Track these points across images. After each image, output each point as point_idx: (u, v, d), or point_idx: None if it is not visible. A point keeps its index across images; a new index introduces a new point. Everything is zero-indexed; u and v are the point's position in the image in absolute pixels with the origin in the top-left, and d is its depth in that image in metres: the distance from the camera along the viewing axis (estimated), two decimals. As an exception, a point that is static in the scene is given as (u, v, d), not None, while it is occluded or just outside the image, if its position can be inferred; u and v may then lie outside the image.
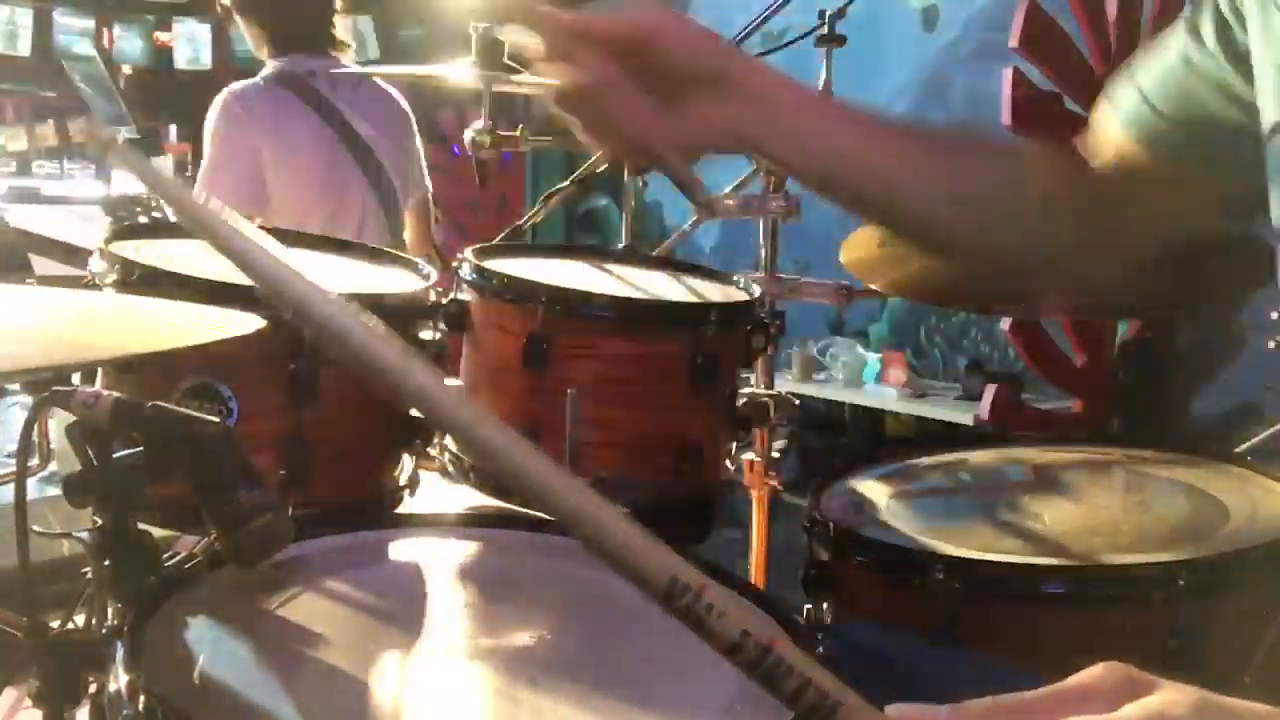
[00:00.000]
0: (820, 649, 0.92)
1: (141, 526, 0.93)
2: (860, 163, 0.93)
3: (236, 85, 2.81)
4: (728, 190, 2.06)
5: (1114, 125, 0.97)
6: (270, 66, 2.83)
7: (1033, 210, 0.98)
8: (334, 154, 2.78)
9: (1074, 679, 0.51)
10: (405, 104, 2.99)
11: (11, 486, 1.00)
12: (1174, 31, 0.94)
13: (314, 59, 2.82)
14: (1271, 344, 2.80)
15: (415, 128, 3.01)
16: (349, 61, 2.99)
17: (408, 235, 3.00)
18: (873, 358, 4.34)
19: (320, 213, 2.75)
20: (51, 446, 2.62)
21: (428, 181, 3.05)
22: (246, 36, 2.96)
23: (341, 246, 1.62)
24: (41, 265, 2.15)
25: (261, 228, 2.21)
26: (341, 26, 2.95)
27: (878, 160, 0.93)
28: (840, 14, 1.94)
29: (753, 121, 0.90)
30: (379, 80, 3.00)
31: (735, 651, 0.46)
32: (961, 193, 0.96)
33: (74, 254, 1.88)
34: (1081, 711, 0.49)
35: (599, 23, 0.87)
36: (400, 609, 0.96)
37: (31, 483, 2.46)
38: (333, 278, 1.45)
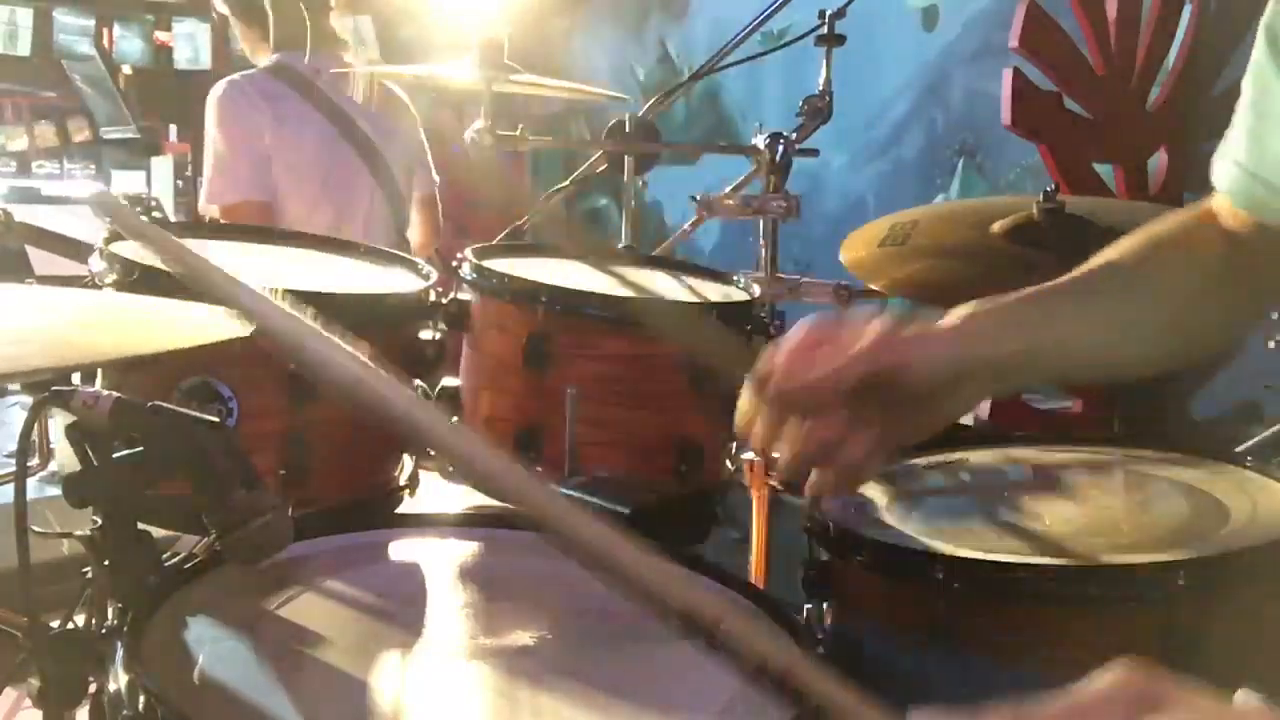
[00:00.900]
0: (820, 649, 0.92)
1: (141, 526, 0.93)
2: (1069, 347, 0.99)
3: (234, 75, 2.81)
4: (728, 190, 2.06)
5: (1226, 206, 1.04)
6: (268, 60, 2.83)
7: (1196, 312, 1.06)
8: (338, 151, 2.78)
9: (1093, 685, 0.50)
10: (409, 101, 2.99)
11: (11, 486, 1.00)
12: (1245, 85, 1.00)
13: (315, 57, 2.82)
14: (1271, 344, 2.80)
15: (419, 122, 3.01)
16: (349, 60, 2.99)
17: (414, 231, 2.99)
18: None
19: (326, 208, 2.75)
20: (51, 446, 2.61)
21: (435, 175, 3.05)
22: (242, 41, 2.96)
23: (342, 246, 1.62)
24: (41, 265, 2.15)
25: (263, 227, 2.22)
26: (341, 27, 2.95)
27: (1083, 335, 0.99)
28: (840, 14, 1.94)
29: (999, 384, 0.96)
30: (382, 78, 3.00)
31: (754, 674, 0.47)
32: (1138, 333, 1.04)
33: (79, 249, 1.88)
34: None
35: (832, 374, 0.86)
36: (400, 609, 0.96)
37: (31, 483, 2.46)
38: (334, 278, 1.45)
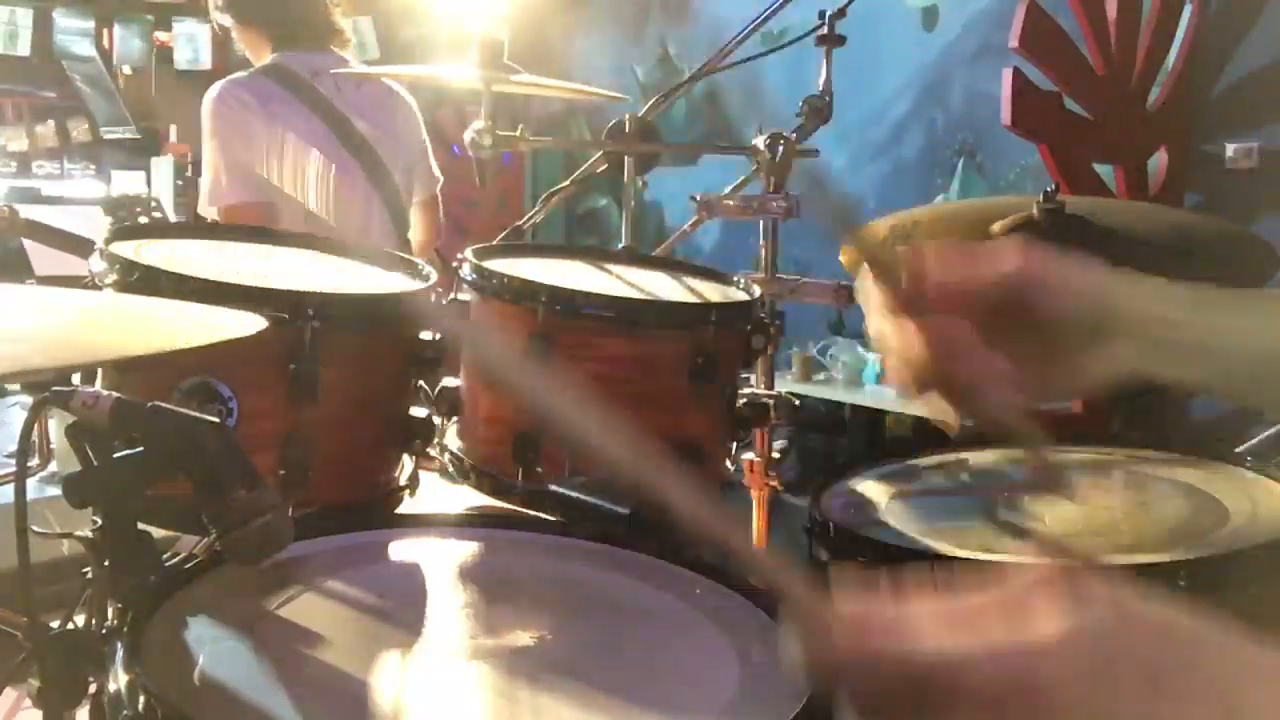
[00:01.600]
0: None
1: (141, 526, 0.93)
2: (1235, 342, 0.82)
3: (228, 77, 2.80)
4: (728, 190, 2.06)
5: None
6: (265, 61, 2.82)
7: None
8: (335, 152, 2.78)
9: (1017, 586, 0.51)
10: (411, 101, 2.98)
11: (11, 486, 1.00)
12: None
13: (316, 57, 2.81)
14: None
15: (421, 123, 3.01)
16: (350, 57, 2.98)
17: (414, 231, 2.99)
18: (873, 358, 4.33)
19: (324, 210, 2.75)
20: (51, 446, 2.62)
21: (437, 173, 3.04)
22: (243, 44, 2.94)
23: (342, 246, 1.61)
24: (43, 264, 2.15)
25: (263, 228, 2.22)
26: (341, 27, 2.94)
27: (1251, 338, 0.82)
28: (840, 14, 1.94)
29: (1145, 357, 0.78)
30: (385, 78, 2.99)
31: None
32: None
33: (81, 245, 1.87)
34: (1022, 625, 0.48)
35: (971, 275, 0.75)
36: (400, 609, 0.96)
37: (31, 483, 2.46)
38: (334, 278, 1.45)
